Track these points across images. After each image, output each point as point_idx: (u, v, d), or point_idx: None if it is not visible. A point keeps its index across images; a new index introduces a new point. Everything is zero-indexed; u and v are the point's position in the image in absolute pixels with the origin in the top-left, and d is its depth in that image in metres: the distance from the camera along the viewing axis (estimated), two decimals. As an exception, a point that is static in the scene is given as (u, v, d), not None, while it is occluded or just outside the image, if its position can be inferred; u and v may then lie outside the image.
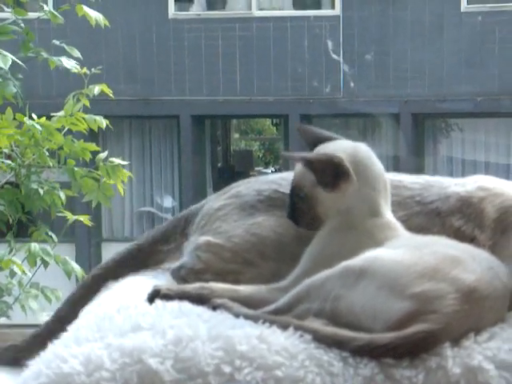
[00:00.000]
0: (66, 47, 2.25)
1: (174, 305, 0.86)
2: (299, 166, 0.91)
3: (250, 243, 0.96)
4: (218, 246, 0.98)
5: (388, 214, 0.90)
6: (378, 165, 0.91)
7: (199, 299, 0.88)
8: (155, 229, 1.16)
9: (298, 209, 0.94)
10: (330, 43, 7.63)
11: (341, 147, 0.90)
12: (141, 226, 8.31)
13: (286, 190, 0.96)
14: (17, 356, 1.05)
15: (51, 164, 2.23)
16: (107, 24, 2.30)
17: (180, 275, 1.00)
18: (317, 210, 0.92)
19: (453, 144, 8.16)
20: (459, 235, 0.95)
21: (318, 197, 0.89)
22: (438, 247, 0.84)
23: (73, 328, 0.88)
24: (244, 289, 0.88)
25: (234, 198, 1.01)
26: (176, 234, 1.09)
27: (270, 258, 0.95)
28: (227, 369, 0.76)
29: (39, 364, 0.81)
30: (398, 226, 0.90)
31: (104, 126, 2.23)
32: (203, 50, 7.77)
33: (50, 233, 2.35)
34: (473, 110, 7.62)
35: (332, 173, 0.87)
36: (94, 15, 2.26)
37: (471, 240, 0.93)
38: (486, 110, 7.59)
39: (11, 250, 2.25)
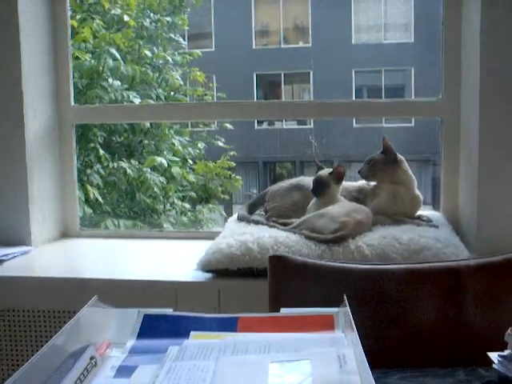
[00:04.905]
0: None
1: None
2: None
3: (286, 206, 2.28)
4: (277, 206, 2.28)
5: (339, 195, 2.19)
6: None
7: (271, 225, 2.17)
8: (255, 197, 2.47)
9: (318, 190, 2.17)
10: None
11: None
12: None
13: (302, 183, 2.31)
14: None
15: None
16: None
17: (267, 216, 2.29)
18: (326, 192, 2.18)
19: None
20: (355, 198, 2.23)
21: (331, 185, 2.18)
22: (348, 204, 2.13)
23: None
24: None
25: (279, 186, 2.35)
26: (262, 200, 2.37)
27: (293, 210, 2.25)
28: (272, 243, 2.02)
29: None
30: (342, 199, 2.17)
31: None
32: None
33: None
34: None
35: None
36: None
37: (359, 199, 2.21)
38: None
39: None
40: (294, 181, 2.39)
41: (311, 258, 1.74)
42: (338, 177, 2.19)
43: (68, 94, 2.64)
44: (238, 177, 6.45)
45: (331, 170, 2.20)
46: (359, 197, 2.25)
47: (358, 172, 2.23)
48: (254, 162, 9.64)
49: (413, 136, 8.09)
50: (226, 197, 6.43)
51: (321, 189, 2.19)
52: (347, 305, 0.95)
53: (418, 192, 2.23)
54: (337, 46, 9.89)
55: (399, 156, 2.22)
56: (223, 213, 6.37)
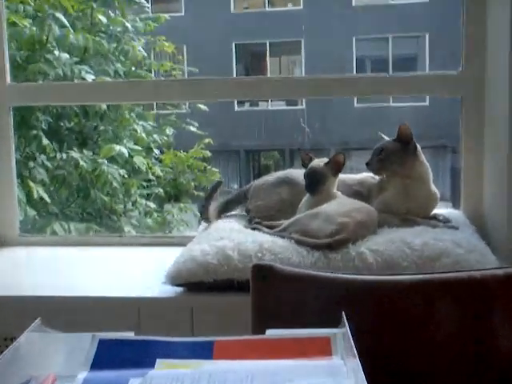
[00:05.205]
0: None
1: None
2: None
3: (272, 205, 2.29)
4: (261, 205, 2.29)
5: (336, 190, 2.18)
6: None
7: (254, 228, 2.16)
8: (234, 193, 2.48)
9: (313, 186, 2.16)
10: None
11: None
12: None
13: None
14: None
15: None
16: None
17: (249, 217, 2.31)
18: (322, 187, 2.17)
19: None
20: (357, 194, 2.22)
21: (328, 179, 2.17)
22: (347, 202, 2.13)
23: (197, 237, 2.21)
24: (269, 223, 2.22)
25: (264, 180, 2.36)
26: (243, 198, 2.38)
27: (280, 210, 2.26)
28: (256, 250, 2.02)
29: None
30: (339, 194, 2.16)
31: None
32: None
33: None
34: None
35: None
36: None
37: (362, 195, 2.21)
38: None
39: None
40: (281, 174, 2.39)
41: (303, 268, 1.73)
42: (337, 167, 2.18)
43: (3, 70, 2.62)
44: (214, 169, 6.43)
45: (326, 160, 2.19)
46: (362, 191, 2.24)
47: (366, 165, 2.19)
48: (233, 151, 9.59)
49: (427, 117, 8.07)
50: (201, 194, 6.42)
51: (316, 184, 2.18)
52: (347, 325, 0.95)
53: (434, 187, 2.22)
54: (334, 9, 9.82)
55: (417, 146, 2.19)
56: (197, 213, 6.35)
